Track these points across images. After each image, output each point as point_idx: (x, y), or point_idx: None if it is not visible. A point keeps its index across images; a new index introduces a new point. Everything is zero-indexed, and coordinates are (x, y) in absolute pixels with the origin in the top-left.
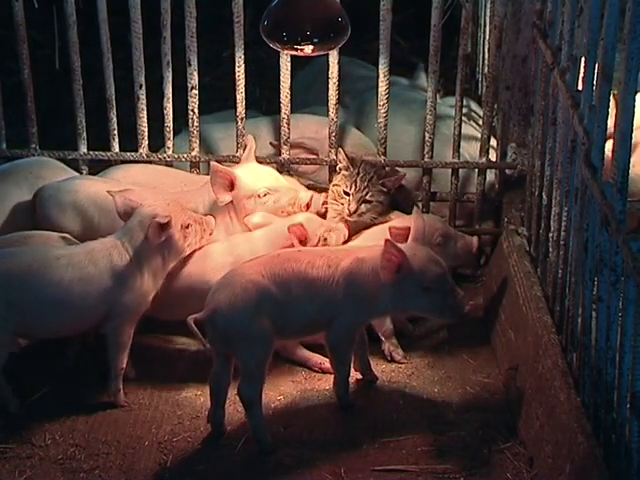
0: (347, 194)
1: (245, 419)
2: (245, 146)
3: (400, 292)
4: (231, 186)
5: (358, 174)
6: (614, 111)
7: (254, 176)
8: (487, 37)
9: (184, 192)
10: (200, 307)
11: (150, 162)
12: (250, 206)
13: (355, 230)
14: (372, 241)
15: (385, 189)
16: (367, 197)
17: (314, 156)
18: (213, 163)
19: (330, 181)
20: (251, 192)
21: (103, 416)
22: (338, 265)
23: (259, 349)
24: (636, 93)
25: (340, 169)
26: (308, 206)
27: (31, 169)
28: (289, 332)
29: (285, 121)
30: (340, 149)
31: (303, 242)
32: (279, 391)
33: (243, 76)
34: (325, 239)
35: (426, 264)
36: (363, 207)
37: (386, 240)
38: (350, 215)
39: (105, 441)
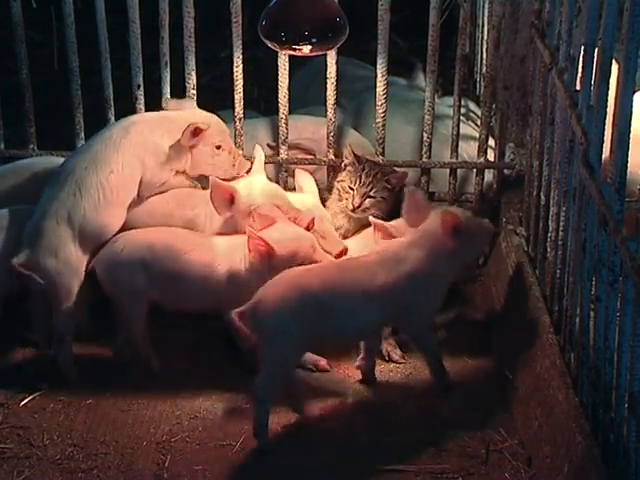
0: (351, 189)
1: (243, 420)
2: (251, 158)
3: (457, 254)
4: (231, 201)
5: (363, 170)
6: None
7: (255, 192)
8: (485, 37)
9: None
10: (204, 299)
11: None
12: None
13: (358, 229)
14: (368, 241)
15: (389, 186)
16: (371, 193)
17: (312, 157)
18: (212, 178)
19: (328, 182)
20: (249, 209)
21: (101, 416)
22: (398, 269)
23: (290, 351)
24: (634, 93)
25: (345, 165)
26: (308, 228)
27: (44, 171)
28: (338, 340)
29: (283, 121)
30: (347, 146)
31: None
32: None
33: (241, 76)
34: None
35: (468, 216)
36: (367, 202)
37: (443, 211)
38: (354, 210)
39: (103, 441)
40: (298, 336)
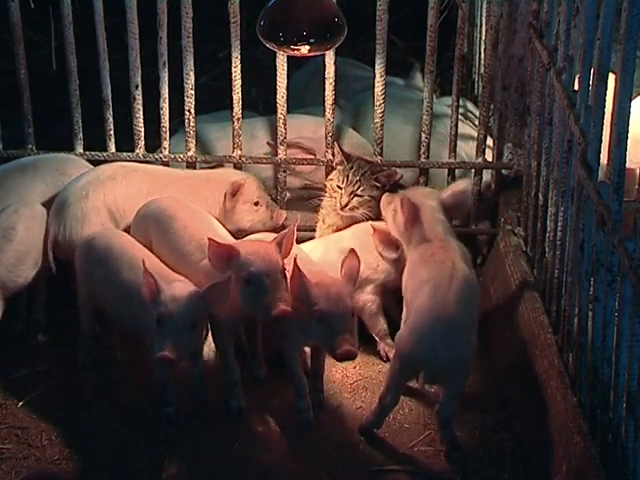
0: (340, 188)
1: (242, 421)
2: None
3: None
4: (229, 260)
5: (351, 168)
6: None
7: (253, 259)
8: (483, 37)
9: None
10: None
11: (146, 162)
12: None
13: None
14: (362, 236)
15: (378, 184)
16: (358, 191)
17: (311, 156)
18: (210, 238)
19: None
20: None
21: (100, 416)
22: (454, 262)
23: (469, 373)
24: (632, 95)
25: (336, 164)
26: (280, 314)
27: (58, 165)
28: None
29: (282, 121)
30: (336, 144)
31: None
32: (276, 391)
33: (240, 77)
34: None
35: None
36: (355, 201)
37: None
38: (342, 209)
39: (102, 441)
40: (471, 358)
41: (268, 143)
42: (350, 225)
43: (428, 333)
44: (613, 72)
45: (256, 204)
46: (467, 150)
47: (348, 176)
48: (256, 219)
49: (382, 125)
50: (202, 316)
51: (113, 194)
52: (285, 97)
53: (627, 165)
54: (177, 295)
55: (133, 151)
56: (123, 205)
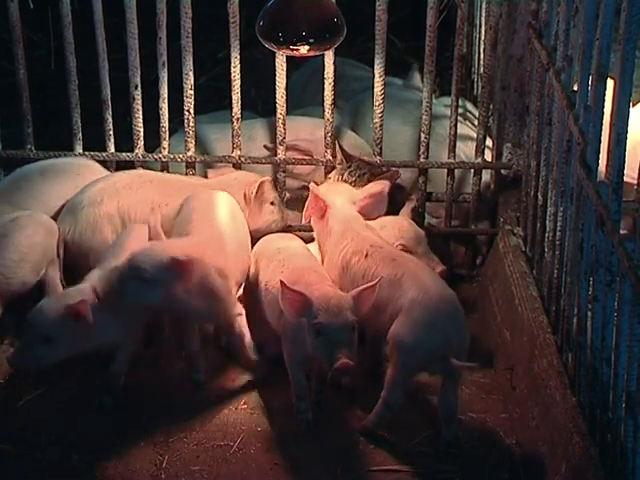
0: None
1: (241, 420)
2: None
3: None
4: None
5: (348, 168)
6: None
7: None
8: (483, 37)
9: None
10: None
11: (146, 162)
12: None
13: None
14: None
15: None
16: None
17: (309, 157)
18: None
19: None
20: None
21: (99, 416)
22: (402, 255)
23: None
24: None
25: (338, 164)
26: None
27: (79, 170)
28: None
29: (281, 121)
30: (338, 143)
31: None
32: (276, 391)
33: (239, 77)
34: None
35: None
36: None
37: None
38: None
39: (101, 441)
40: None
41: (265, 146)
42: None
43: (439, 321)
44: (612, 77)
45: (272, 204)
46: (466, 150)
47: (343, 175)
48: (271, 219)
49: (381, 125)
50: (58, 331)
51: (127, 203)
52: (284, 97)
53: (625, 179)
54: (40, 308)
55: (132, 151)
56: (135, 214)
